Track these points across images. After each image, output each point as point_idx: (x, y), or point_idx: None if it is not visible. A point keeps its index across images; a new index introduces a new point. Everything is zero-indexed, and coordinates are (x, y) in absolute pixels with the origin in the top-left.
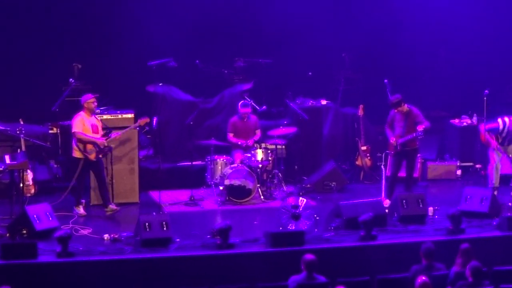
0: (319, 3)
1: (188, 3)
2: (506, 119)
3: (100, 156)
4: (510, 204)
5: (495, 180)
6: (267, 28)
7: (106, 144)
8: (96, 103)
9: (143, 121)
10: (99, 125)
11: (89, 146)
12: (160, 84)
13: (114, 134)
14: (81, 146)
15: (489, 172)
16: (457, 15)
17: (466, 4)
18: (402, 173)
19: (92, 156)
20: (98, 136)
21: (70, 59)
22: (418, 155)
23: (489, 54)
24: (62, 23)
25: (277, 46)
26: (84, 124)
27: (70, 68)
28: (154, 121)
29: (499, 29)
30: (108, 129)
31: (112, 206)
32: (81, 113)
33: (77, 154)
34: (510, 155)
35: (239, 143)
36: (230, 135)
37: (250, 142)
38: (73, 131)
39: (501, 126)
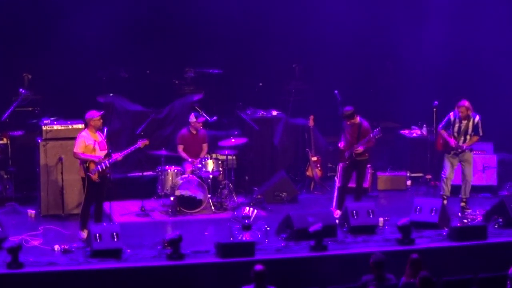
0: (269, 14)
1: (138, 13)
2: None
3: (101, 175)
4: (459, 214)
5: (446, 190)
6: (218, 39)
7: (108, 165)
8: (102, 121)
9: (143, 143)
10: (105, 140)
11: (92, 166)
12: (111, 94)
13: (115, 155)
14: (85, 165)
15: (441, 181)
16: (405, 28)
17: (412, 19)
18: (352, 184)
19: (95, 177)
20: (106, 151)
21: (20, 69)
22: (368, 165)
23: (438, 65)
24: (11, 32)
25: (227, 57)
26: (86, 143)
27: (20, 78)
28: (104, 131)
29: (447, 41)
30: (108, 151)
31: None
32: (85, 131)
33: (82, 173)
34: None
35: (189, 159)
36: (180, 147)
37: (197, 164)
38: (73, 151)
39: (451, 117)
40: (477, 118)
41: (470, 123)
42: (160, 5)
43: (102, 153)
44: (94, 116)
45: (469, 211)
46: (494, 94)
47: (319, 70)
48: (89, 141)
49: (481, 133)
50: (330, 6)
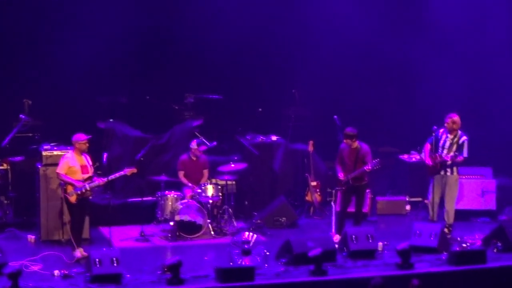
0: (269, 40)
1: (138, 39)
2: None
3: (80, 198)
4: (459, 239)
5: (431, 214)
6: (217, 64)
7: (87, 188)
8: (88, 145)
9: (130, 170)
10: (90, 164)
11: (70, 188)
12: (111, 120)
13: (98, 180)
14: (64, 188)
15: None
16: (402, 55)
17: (410, 44)
18: (352, 208)
19: (73, 199)
20: (88, 175)
21: (20, 95)
22: (367, 190)
23: (436, 91)
24: (12, 58)
25: (227, 82)
26: (70, 165)
27: (20, 103)
28: (104, 157)
29: (447, 67)
30: (92, 174)
31: (82, 251)
32: (70, 153)
33: (63, 194)
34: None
35: (189, 185)
36: (181, 173)
37: (196, 189)
38: (56, 171)
39: (439, 132)
40: (464, 138)
41: (456, 140)
42: (161, 31)
43: (84, 176)
44: (81, 139)
45: (449, 236)
46: (493, 119)
47: (319, 96)
48: (73, 162)
49: (465, 154)
50: (330, 31)
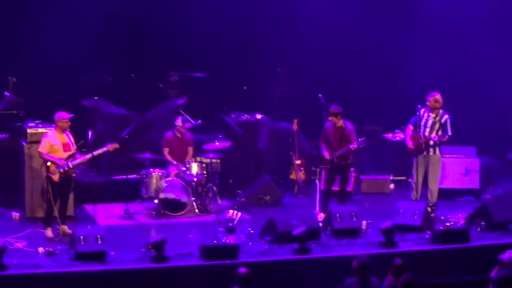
0: (253, 18)
1: (123, 17)
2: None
3: (63, 176)
4: (442, 218)
5: (414, 194)
6: (202, 43)
7: (70, 166)
8: (70, 123)
9: (112, 146)
10: (72, 141)
11: (52, 167)
12: (95, 98)
13: (80, 157)
14: (47, 167)
15: (410, 186)
16: (388, 31)
17: (395, 22)
18: (336, 187)
19: (56, 177)
20: (70, 153)
21: (5, 72)
22: (352, 169)
23: (422, 69)
24: None
25: (212, 61)
26: (52, 143)
27: (5, 81)
28: (89, 135)
29: (430, 45)
30: (74, 152)
31: (66, 228)
32: (51, 131)
33: (45, 173)
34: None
35: (174, 163)
36: (166, 150)
37: (181, 167)
38: (38, 150)
39: (421, 111)
40: (446, 117)
41: (438, 119)
42: (145, 9)
43: (66, 154)
44: (63, 117)
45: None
46: (477, 99)
47: (303, 74)
48: (54, 141)
49: (449, 133)
50: (313, 10)
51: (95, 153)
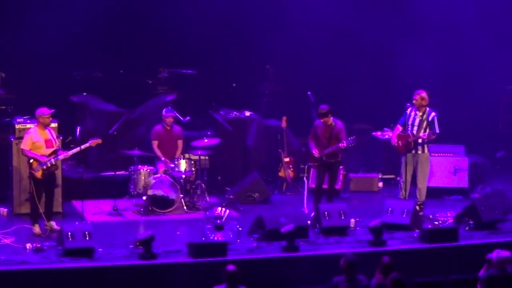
0: (243, 15)
1: (112, 13)
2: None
3: (46, 173)
4: (431, 216)
5: (402, 193)
6: (191, 39)
7: (53, 162)
8: (51, 119)
9: (95, 141)
10: (55, 137)
11: (35, 164)
12: (84, 94)
13: (63, 153)
14: (29, 164)
15: (398, 185)
16: (378, 29)
17: (384, 21)
18: (324, 185)
19: (39, 174)
20: (52, 149)
21: None
22: (341, 167)
23: (412, 68)
24: None
25: (201, 57)
26: (34, 140)
27: None
28: (78, 131)
29: (421, 45)
30: (57, 148)
31: (53, 224)
32: (33, 128)
33: (28, 170)
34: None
35: (162, 158)
36: (155, 143)
37: (169, 164)
38: (20, 147)
39: (408, 110)
40: (433, 114)
41: (425, 117)
42: (135, 5)
43: (49, 151)
44: (44, 113)
45: (421, 214)
46: (466, 97)
47: (293, 72)
48: (37, 137)
49: (437, 130)
50: (304, 7)
51: (77, 149)
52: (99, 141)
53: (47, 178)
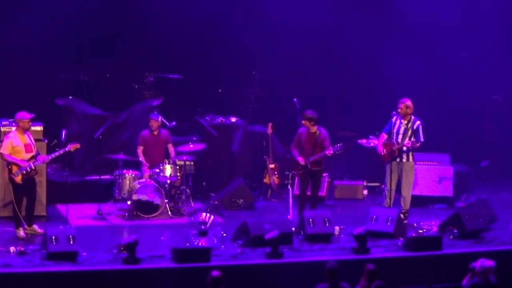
0: (229, 21)
1: (99, 16)
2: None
3: (26, 178)
4: (415, 225)
5: (387, 201)
6: (178, 44)
7: (32, 167)
8: (30, 123)
9: (73, 146)
10: (33, 142)
11: (15, 168)
12: (70, 97)
13: (42, 158)
14: (9, 168)
15: (383, 193)
16: (363, 37)
17: (370, 28)
18: (307, 192)
19: (18, 179)
20: (31, 154)
21: None
22: (325, 174)
23: (396, 76)
24: None
25: (187, 62)
26: (13, 144)
27: None
28: (63, 134)
29: (406, 53)
30: (36, 153)
31: (36, 228)
32: (12, 132)
33: (6, 175)
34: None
35: (146, 166)
36: (140, 148)
37: (152, 170)
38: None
39: (393, 119)
40: (418, 123)
41: (410, 125)
42: (121, 9)
43: (28, 156)
44: (24, 117)
45: (405, 222)
46: (451, 106)
47: (278, 78)
48: (16, 142)
49: (421, 139)
50: (289, 14)
51: (56, 154)
52: (77, 145)
53: (27, 183)
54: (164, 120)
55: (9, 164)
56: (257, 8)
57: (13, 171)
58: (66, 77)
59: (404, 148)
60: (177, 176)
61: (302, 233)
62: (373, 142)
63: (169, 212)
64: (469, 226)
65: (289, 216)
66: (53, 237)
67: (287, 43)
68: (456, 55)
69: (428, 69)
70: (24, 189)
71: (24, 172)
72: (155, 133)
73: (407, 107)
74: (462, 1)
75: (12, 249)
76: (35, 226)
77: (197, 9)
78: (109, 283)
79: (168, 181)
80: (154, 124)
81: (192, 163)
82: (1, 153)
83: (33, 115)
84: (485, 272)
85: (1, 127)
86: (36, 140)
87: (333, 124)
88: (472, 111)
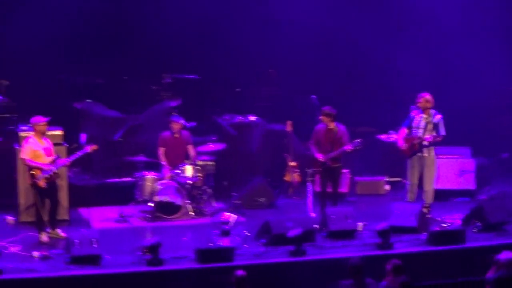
0: (246, 20)
1: (116, 19)
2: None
3: (49, 181)
4: (438, 219)
5: (410, 196)
6: (195, 45)
7: (55, 171)
8: (47, 126)
9: (92, 148)
10: (52, 146)
11: (37, 173)
12: (88, 101)
13: (62, 161)
14: (31, 173)
15: (405, 188)
16: (380, 33)
17: (386, 24)
18: (328, 189)
19: (42, 183)
20: (52, 158)
21: None
22: (346, 170)
23: (415, 71)
24: None
25: (205, 63)
26: (33, 149)
27: None
28: (82, 138)
29: (423, 47)
30: (55, 156)
31: (59, 232)
32: (31, 137)
33: (30, 180)
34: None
35: (165, 165)
36: (161, 150)
37: (174, 170)
38: (20, 157)
39: (412, 113)
40: (438, 116)
41: (430, 119)
42: (138, 11)
43: (48, 159)
44: (40, 121)
45: (428, 216)
46: (472, 98)
47: (296, 76)
48: (36, 147)
49: (443, 133)
50: (306, 12)
51: (75, 156)
52: (95, 147)
53: (49, 187)
54: (183, 121)
55: (31, 169)
56: (274, 7)
57: (36, 176)
58: (83, 80)
59: (425, 143)
60: (198, 176)
61: (324, 230)
62: (393, 137)
63: (191, 213)
64: (492, 218)
65: (310, 213)
66: (76, 240)
67: (303, 41)
68: (477, 47)
69: (448, 62)
70: (47, 193)
71: (48, 175)
72: (176, 135)
73: (426, 101)
74: None
75: (35, 254)
76: (58, 230)
77: (214, 9)
78: (133, 285)
79: (189, 182)
80: (175, 126)
81: (212, 163)
82: (22, 159)
83: (48, 118)
84: (509, 264)
85: (20, 132)
86: (56, 144)
87: (352, 120)
88: (493, 103)
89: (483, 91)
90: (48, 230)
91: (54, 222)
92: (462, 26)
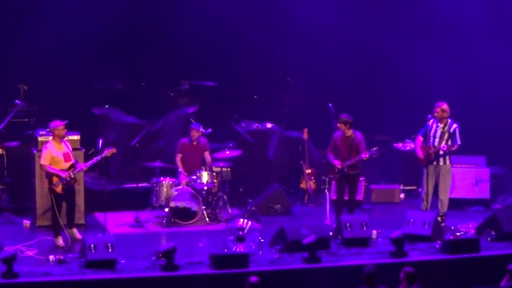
0: (264, 28)
1: (134, 26)
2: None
3: (66, 187)
4: (452, 227)
5: (424, 205)
6: (213, 51)
7: (72, 176)
8: (66, 130)
9: (110, 151)
10: (71, 150)
11: (55, 179)
12: (106, 106)
13: (80, 166)
14: (49, 178)
15: (420, 196)
16: (397, 41)
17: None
18: (345, 196)
19: (59, 189)
20: (71, 162)
21: (16, 80)
22: (362, 178)
23: (432, 80)
24: (7, 43)
25: (222, 69)
26: (53, 154)
27: (15, 89)
28: (100, 143)
29: (440, 56)
30: (74, 161)
31: (75, 231)
32: (50, 142)
33: (47, 185)
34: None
35: (183, 171)
36: (178, 156)
37: (190, 176)
38: (40, 163)
39: (429, 122)
40: (454, 126)
41: (446, 128)
42: (156, 18)
43: (67, 165)
44: (58, 125)
45: (442, 225)
46: (487, 108)
47: (313, 83)
48: (55, 152)
49: (459, 142)
50: (324, 20)
51: (94, 161)
52: (113, 150)
53: (67, 191)
54: (202, 128)
55: (49, 174)
56: (292, 15)
57: (54, 182)
58: (102, 86)
59: (441, 152)
60: (214, 182)
61: (339, 237)
62: (409, 145)
63: (207, 219)
64: (506, 228)
65: (326, 221)
66: (92, 245)
67: (321, 49)
68: (492, 56)
69: (463, 70)
70: (64, 198)
71: (65, 182)
72: (195, 142)
73: (443, 110)
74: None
75: (51, 257)
76: (75, 230)
77: (231, 16)
78: None
79: (205, 188)
80: (195, 134)
81: (228, 169)
82: (42, 165)
83: (66, 121)
84: None
85: (39, 137)
86: (73, 149)
87: (369, 128)
88: (508, 112)
89: (498, 100)
90: (65, 228)
91: (71, 222)
92: (480, 31)
